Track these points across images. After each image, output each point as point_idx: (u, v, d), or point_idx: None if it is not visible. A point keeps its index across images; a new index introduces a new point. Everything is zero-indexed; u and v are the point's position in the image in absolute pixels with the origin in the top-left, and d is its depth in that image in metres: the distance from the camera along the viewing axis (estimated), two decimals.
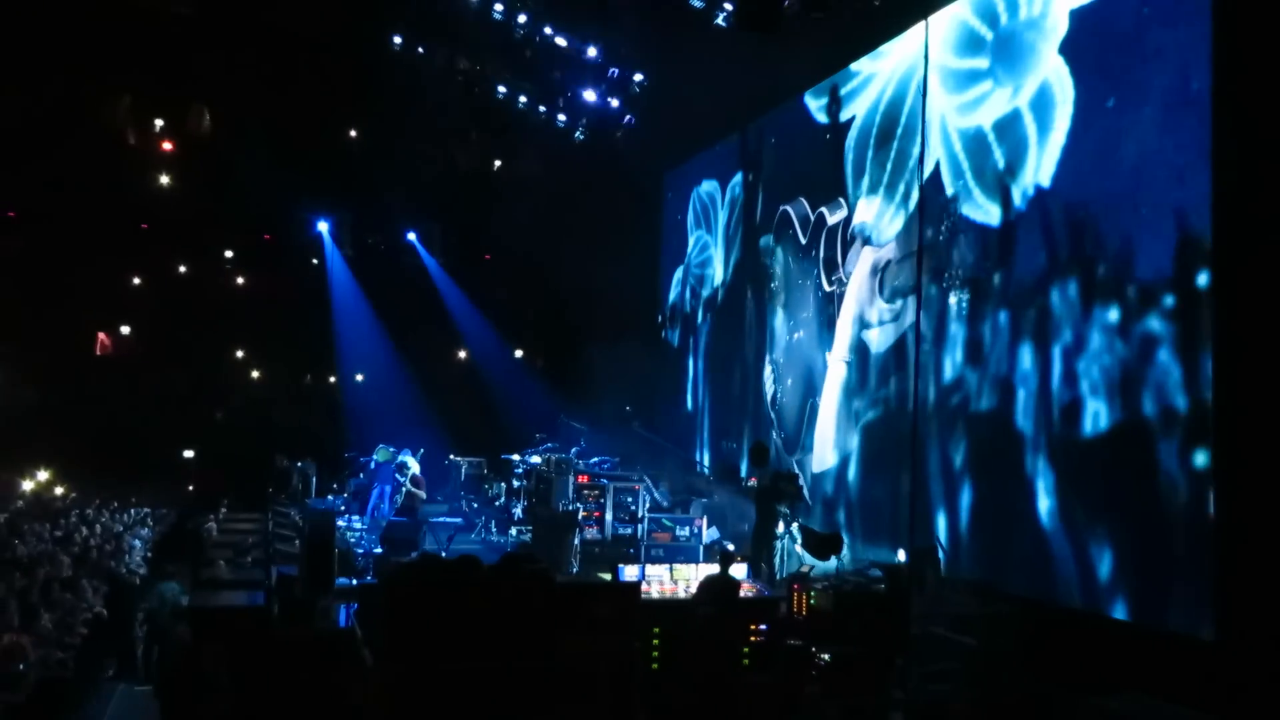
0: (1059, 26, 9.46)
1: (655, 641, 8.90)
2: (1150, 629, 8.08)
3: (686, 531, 12.32)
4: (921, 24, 10.94)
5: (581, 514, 12.79)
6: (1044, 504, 9.29)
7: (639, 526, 12.68)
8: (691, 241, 18.44)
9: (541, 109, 17.68)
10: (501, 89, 17.31)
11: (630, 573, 9.98)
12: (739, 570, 9.88)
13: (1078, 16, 9.27)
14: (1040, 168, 9.65)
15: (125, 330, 22.42)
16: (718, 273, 17.30)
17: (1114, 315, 8.63)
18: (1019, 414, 9.75)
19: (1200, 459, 7.75)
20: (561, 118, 17.27)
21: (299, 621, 8.90)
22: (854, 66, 12.97)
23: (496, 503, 16.07)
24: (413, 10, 17.00)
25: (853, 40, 12.65)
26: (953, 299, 10.83)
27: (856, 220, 12.85)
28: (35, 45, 17.91)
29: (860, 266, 12.66)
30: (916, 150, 11.30)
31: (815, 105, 14.02)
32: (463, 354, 22.85)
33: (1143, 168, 8.47)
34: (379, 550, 12.20)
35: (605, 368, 17.81)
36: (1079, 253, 9.12)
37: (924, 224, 10.97)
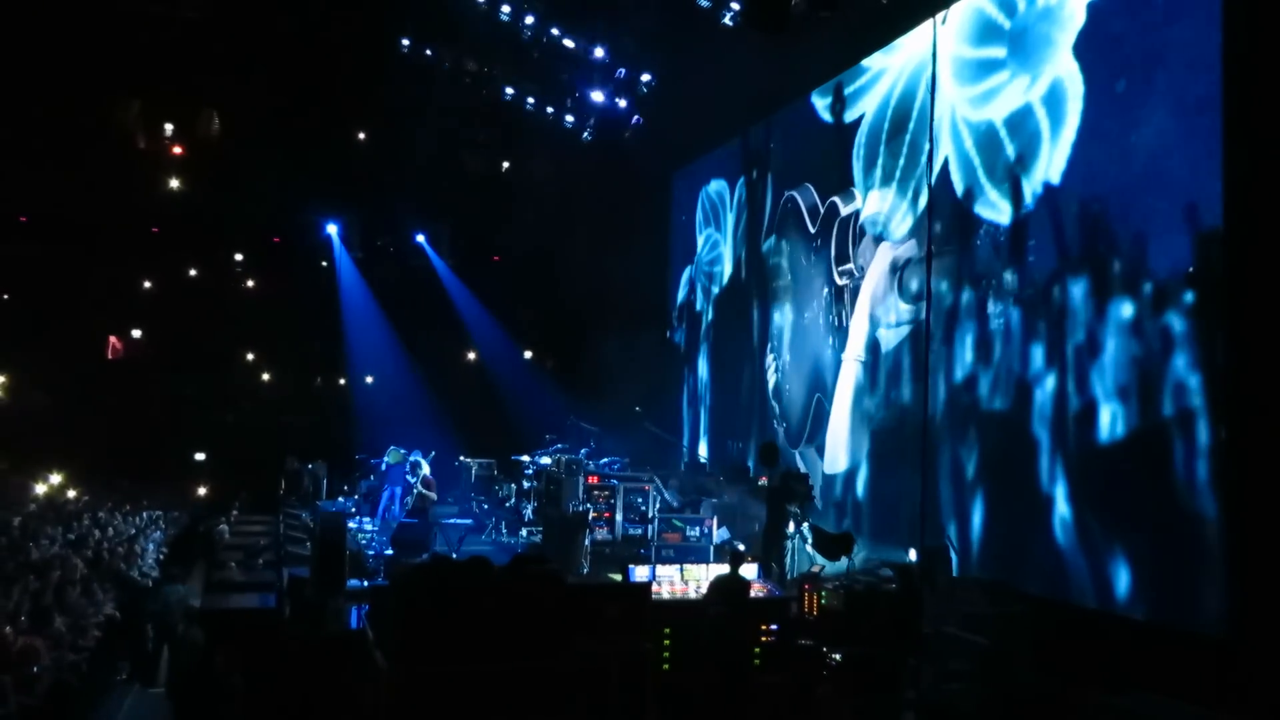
0: (1076, 18, 9.39)
1: (666, 642, 8.89)
2: (1162, 628, 8.03)
3: (697, 532, 12.30)
4: (934, 17, 10.89)
5: (592, 515, 12.78)
6: (1056, 504, 9.24)
7: (649, 527, 12.68)
8: (701, 240, 18.42)
9: (549, 110, 17.70)
10: (509, 90, 17.33)
11: (641, 573, 9.95)
12: (749, 570, 9.86)
13: (1094, 10, 9.21)
14: (1052, 163, 9.60)
15: (136, 333, 22.54)
16: (726, 271, 17.28)
17: (1128, 311, 8.59)
18: (1031, 414, 9.69)
19: (1212, 457, 7.70)
20: (569, 118, 17.30)
21: (310, 623, 8.90)
22: (865, 62, 12.91)
23: (507, 504, 16.07)
24: (421, 13, 17.04)
25: (861, 38, 12.60)
26: (965, 297, 10.79)
27: (867, 213, 12.81)
28: (45, 51, 18.01)
29: (877, 263, 12.57)
30: (928, 145, 11.24)
31: (823, 103, 13.98)
32: (472, 355, 22.88)
33: (1156, 162, 8.42)
34: (390, 552, 12.22)
35: (614, 368, 17.82)
36: (1091, 250, 9.08)
37: (934, 221, 10.93)
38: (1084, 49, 9.27)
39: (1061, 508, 9.18)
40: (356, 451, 17.62)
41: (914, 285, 11.83)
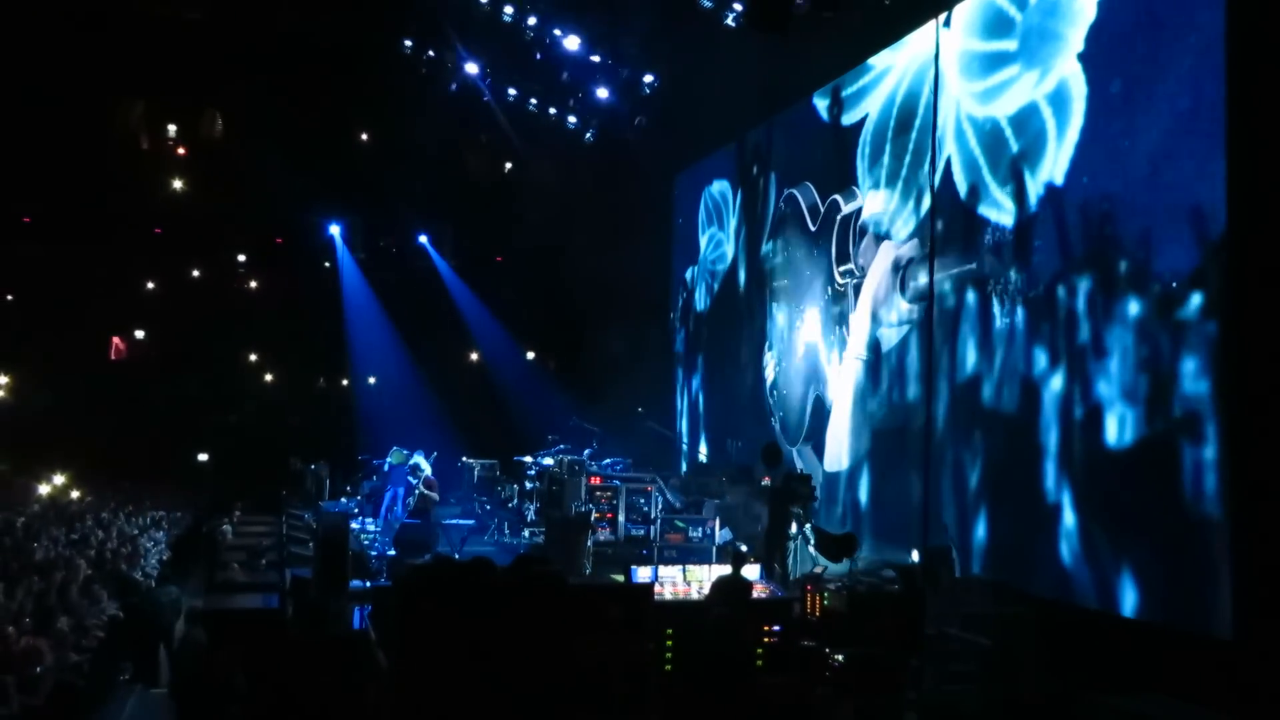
0: (1087, 11, 9.28)
1: (668, 643, 8.87)
2: (1168, 629, 8.01)
3: (699, 533, 12.30)
4: (937, 18, 10.86)
5: (594, 515, 12.77)
6: (1060, 504, 9.23)
7: (652, 528, 12.67)
8: (705, 240, 18.41)
9: (552, 110, 17.70)
10: (512, 91, 17.33)
11: (643, 574, 9.94)
12: (752, 571, 9.85)
13: (1105, 6, 9.14)
14: (1057, 162, 9.57)
15: (139, 334, 22.57)
16: (728, 270, 17.28)
17: (1134, 312, 8.57)
18: (1037, 415, 9.67)
19: (1217, 456, 7.68)
20: (572, 119, 17.29)
21: (313, 624, 8.90)
22: (870, 60, 12.88)
23: (509, 504, 16.08)
24: (423, 13, 17.04)
25: (864, 38, 12.59)
26: (969, 296, 10.77)
27: (869, 212, 12.79)
28: (50, 52, 18.04)
29: (879, 262, 12.55)
30: (931, 144, 11.20)
31: (825, 103, 13.97)
32: (475, 356, 22.89)
33: (1162, 162, 8.40)
34: (392, 552, 12.22)
35: (617, 368, 17.81)
36: (1096, 251, 9.06)
37: (937, 220, 10.91)
38: (1093, 45, 9.20)
39: (1066, 508, 9.16)
40: (359, 452, 17.63)
41: (916, 284, 11.82)
